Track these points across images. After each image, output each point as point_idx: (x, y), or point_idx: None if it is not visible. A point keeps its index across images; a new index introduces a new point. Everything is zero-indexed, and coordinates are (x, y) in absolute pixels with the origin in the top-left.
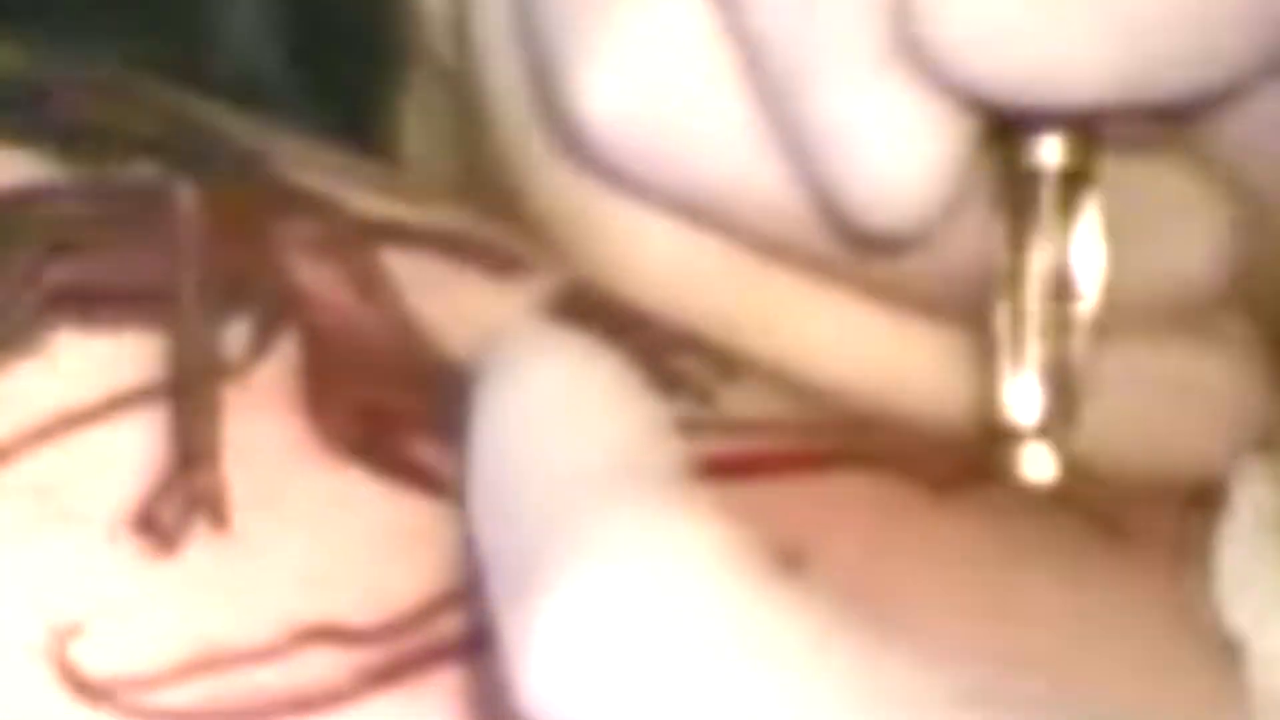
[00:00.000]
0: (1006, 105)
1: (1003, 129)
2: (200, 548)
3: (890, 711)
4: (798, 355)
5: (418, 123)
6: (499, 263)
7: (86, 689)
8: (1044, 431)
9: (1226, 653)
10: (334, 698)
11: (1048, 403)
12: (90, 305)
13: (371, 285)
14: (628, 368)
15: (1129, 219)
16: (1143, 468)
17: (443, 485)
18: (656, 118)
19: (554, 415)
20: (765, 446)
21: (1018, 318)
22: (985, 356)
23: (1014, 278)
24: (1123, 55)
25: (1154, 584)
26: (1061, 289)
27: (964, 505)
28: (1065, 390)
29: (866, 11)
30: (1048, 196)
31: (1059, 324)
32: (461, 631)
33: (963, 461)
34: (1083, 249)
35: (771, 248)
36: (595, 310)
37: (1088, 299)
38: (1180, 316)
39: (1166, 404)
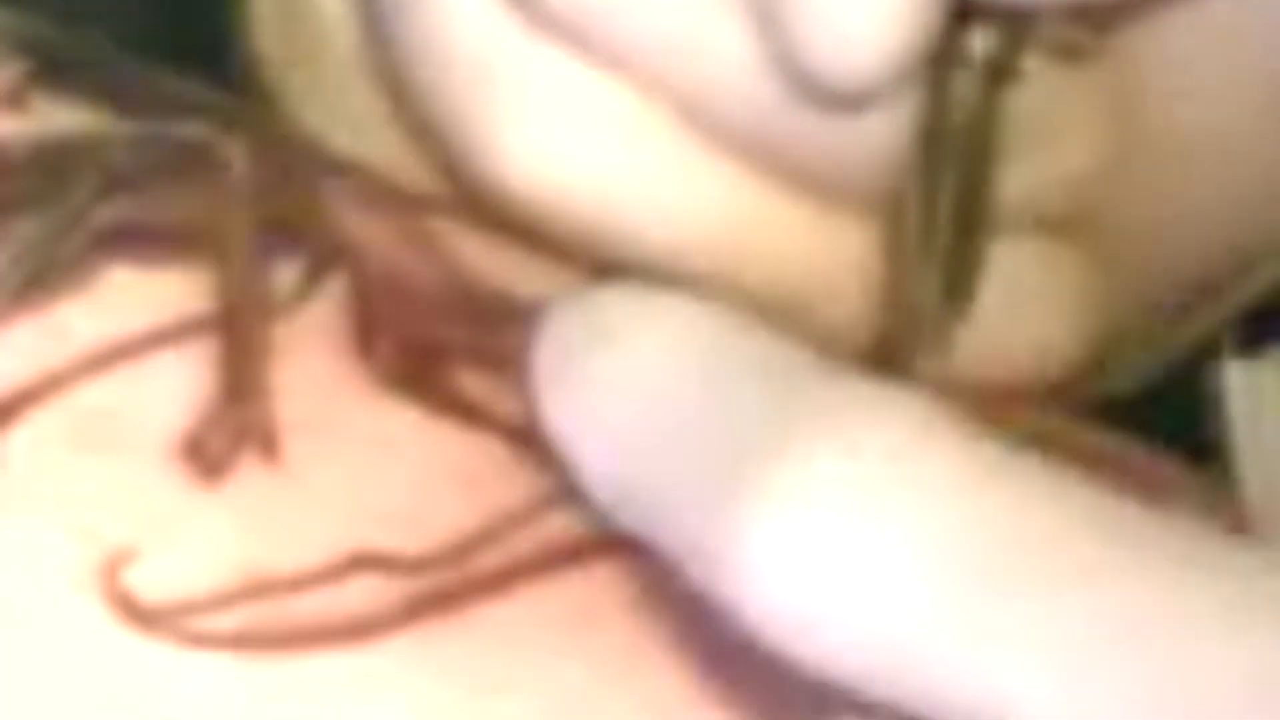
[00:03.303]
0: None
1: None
2: (249, 477)
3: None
4: (721, 255)
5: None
6: None
7: (137, 614)
8: (941, 319)
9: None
10: (380, 625)
11: (948, 292)
12: (141, 242)
13: (418, 235)
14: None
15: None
16: (994, 360)
17: (488, 418)
18: None
19: (706, 350)
20: None
21: (929, 206)
22: (893, 243)
23: (929, 166)
24: None
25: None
26: (973, 180)
27: None
28: (965, 281)
29: None
30: (971, 86)
31: (968, 215)
32: (507, 563)
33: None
34: (1000, 150)
35: (708, 118)
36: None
37: (997, 190)
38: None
39: (1019, 300)
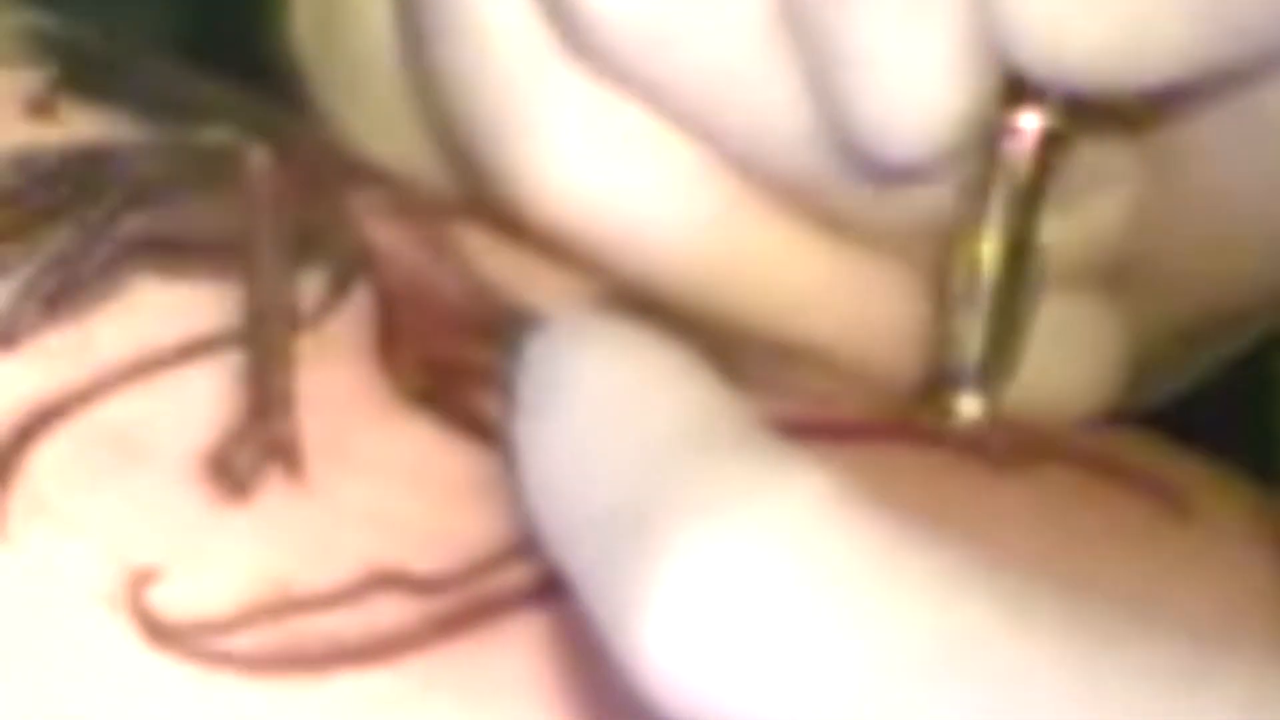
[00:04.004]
0: (1072, 86)
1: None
2: (273, 493)
3: (1043, 640)
4: (754, 295)
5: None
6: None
7: (160, 632)
8: (982, 379)
9: None
10: (403, 644)
11: (990, 353)
12: (167, 254)
13: (442, 246)
14: (687, 350)
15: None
16: (1034, 404)
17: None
18: (666, 10)
19: (632, 391)
20: (826, 415)
21: (974, 269)
22: (937, 301)
23: (976, 229)
24: (1195, 34)
25: (1223, 564)
26: (1020, 246)
27: (1025, 482)
28: (1009, 342)
29: None
30: (1024, 154)
31: (1013, 278)
32: (529, 580)
33: (1023, 441)
34: (1047, 208)
35: (749, 164)
36: (643, 303)
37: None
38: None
39: (1058, 345)
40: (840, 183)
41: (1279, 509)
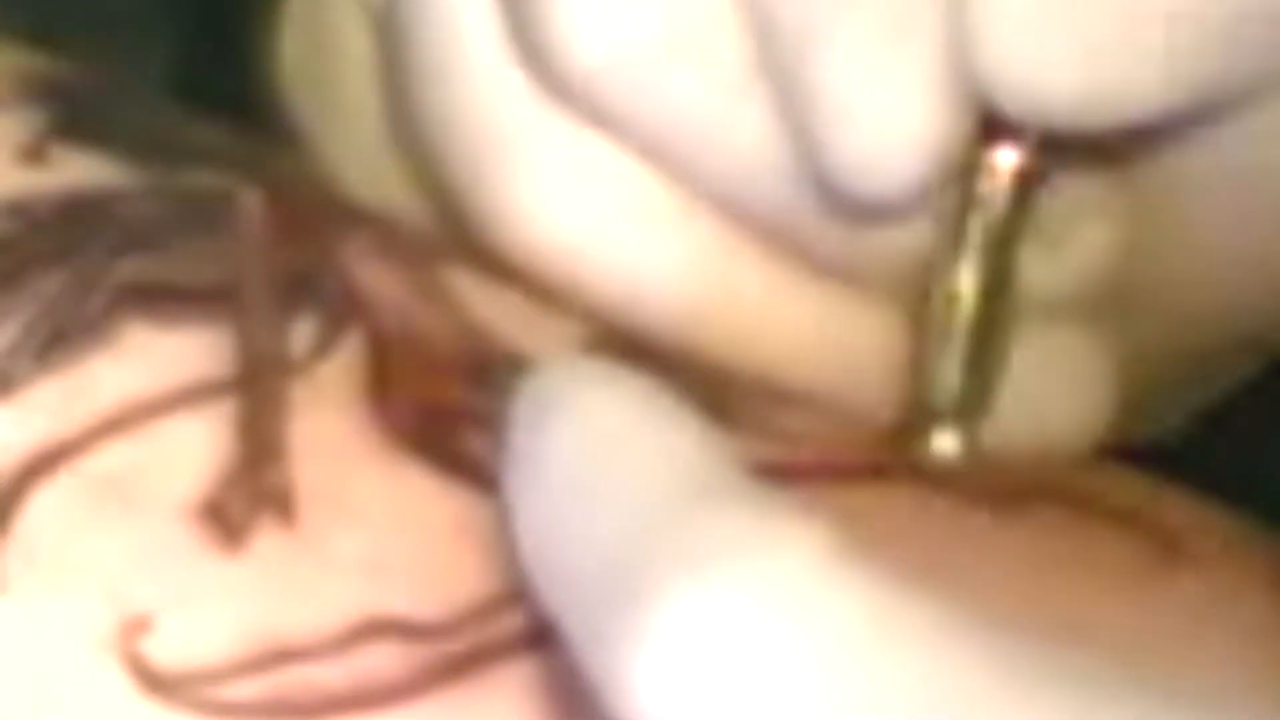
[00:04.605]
0: (1050, 125)
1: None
2: (266, 541)
3: (1035, 701)
4: (735, 335)
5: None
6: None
7: (154, 682)
8: (959, 416)
9: None
10: (397, 692)
11: (967, 389)
12: (159, 302)
13: (432, 289)
14: (676, 394)
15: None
16: (1024, 441)
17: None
18: (643, 55)
19: (618, 440)
20: (812, 458)
21: (951, 305)
22: (912, 338)
23: (953, 266)
24: (1170, 72)
25: (1215, 606)
26: (996, 283)
27: (1020, 523)
28: (986, 379)
29: None
30: (1000, 190)
31: (990, 315)
32: (523, 627)
33: (1018, 482)
34: (1022, 246)
35: (730, 205)
36: (631, 346)
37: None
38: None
39: (1047, 381)
40: (819, 222)
41: (1271, 549)
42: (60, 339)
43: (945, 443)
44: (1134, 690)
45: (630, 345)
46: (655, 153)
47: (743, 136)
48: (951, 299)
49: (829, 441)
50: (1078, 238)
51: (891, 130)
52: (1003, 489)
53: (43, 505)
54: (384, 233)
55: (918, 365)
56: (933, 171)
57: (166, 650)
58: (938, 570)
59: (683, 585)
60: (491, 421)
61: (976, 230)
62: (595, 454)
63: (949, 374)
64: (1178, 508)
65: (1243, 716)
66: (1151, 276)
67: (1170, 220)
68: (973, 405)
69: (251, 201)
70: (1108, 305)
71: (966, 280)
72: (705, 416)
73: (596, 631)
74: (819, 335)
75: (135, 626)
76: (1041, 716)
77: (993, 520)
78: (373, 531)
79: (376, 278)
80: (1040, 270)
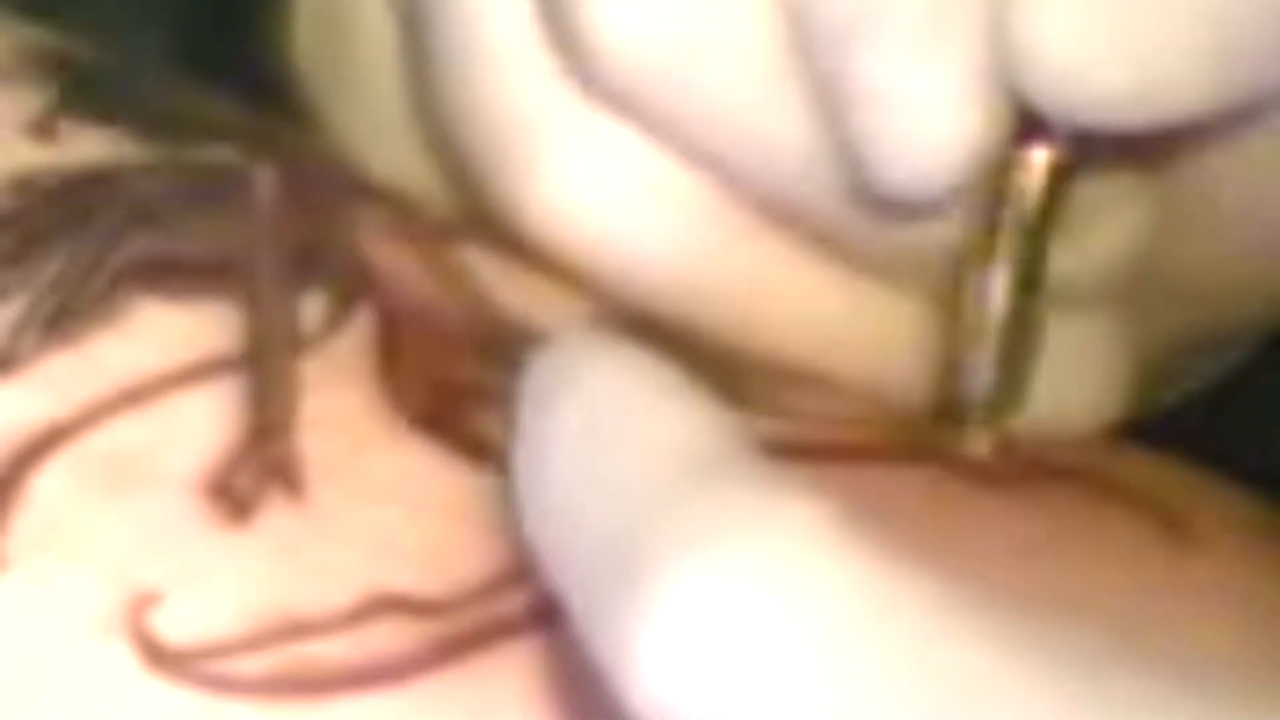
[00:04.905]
0: (1087, 124)
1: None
2: (274, 516)
3: (1034, 678)
4: (761, 324)
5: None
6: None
7: (161, 657)
8: (992, 412)
9: None
10: (404, 668)
11: (1000, 386)
12: (169, 276)
13: (444, 266)
14: (685, 371)
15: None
16: (1038, 424)
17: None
18: (675, 43)
19: (624, 416)
20: (823, 437)
21: (982, 301)
22: (943, 332)
23: (985, 262)
24: (1216, 73)
25: (1224, 586)
26: (1029, 278)
27: (1021, 501)
28: (1018, 376)
29: None
30: (1033, 186)
31: (1022, 311)
32: (530, 605)
33: (1019, 461)
34: (1053, 241)
35: (757, 193)
36: (642, 323)
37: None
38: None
39: (1062, 363)
40: (849, 213)
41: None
42: (68, 315)
43: (978, 440)
44: (1139, 667)
45: (640, 319)
46: (684, 140)
47: (773, 126)
48: (984, 293)
49: (842, 422)
50: (1103, 227)
51: (931, 125)
52: (1014, 469)
53: (50, 481)
54: (396, 209)
55: (949, 361)
56: (970, 168)
57: (174, 626)
58: (946, 549)
59: (686, 563)
60: (502, 398)
61: (1010, 225)
62: (601, 431)
63: (982, 371)
64: (1188, 487)
65: (1248, 695)
66: (1173, 260)
67: (1194, 207)
68: (1005, 402)
69: (262, 176)
70: (1127, 289)
71: (999, 276)
72: (719, 396)
73: (600, 608)
74: (845, 324)
75: (142, 602)
76: (1044, 694)
77: (1003, 500)
78: (381, 508)
79: (388, 254)
80: (1064, 259)
